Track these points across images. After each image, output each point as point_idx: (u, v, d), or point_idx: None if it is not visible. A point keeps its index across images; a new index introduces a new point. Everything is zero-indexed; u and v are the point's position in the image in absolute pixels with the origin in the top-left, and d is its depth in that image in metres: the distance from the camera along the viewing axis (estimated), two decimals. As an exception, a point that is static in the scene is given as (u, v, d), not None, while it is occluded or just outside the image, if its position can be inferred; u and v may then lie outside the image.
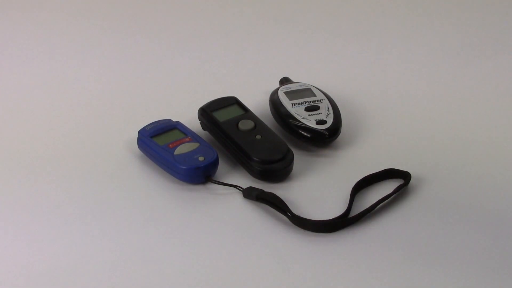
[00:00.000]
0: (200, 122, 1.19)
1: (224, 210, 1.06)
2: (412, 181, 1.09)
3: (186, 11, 1.52)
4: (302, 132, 1.16)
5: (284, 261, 0.98)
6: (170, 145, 1.11)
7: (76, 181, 1.11)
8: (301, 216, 1.03)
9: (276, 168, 1.10)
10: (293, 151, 1.13)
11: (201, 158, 1.09)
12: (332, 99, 1.22)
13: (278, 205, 1.04)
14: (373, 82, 1.35)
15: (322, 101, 1.20)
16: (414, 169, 1.11)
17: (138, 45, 1.44)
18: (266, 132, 1.14)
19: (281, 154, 1.11)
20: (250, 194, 1.07)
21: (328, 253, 1.00)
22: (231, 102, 1.20)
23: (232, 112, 1.18)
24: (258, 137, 1.13)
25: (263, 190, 1.07)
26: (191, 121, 1.19)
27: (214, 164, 1.09)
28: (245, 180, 1.11)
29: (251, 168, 1.10)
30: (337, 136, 1.17)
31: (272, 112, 1.21)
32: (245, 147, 1.11)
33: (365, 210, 1.04)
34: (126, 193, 1.09)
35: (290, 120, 1.17)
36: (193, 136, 1.13)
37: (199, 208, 1.07)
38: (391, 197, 1.07)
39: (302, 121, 1.16)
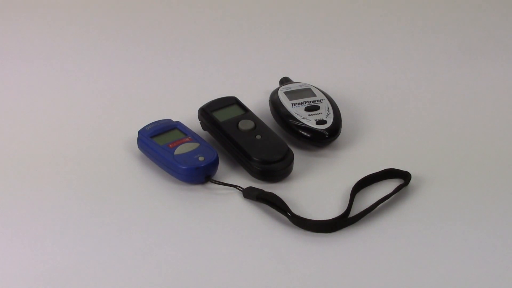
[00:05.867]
0: (200, 122, 1.19)
1: (224, 210, 1.06)
2: (412, 181, 1.09)
3: (186, 11, 1.52)
4: (302, 132, 1.16)
5: (284, 261, 0.98)
6: (170, 145, 1.11)
7: (76, 181, 1.10)
8: (301, 216, 1.03)
9: (276, 168, 1.10)
10: (293, 151, 1.13)
11: (201, 158, 1.09)
12: (332, 99, 1.22)
13: (278, 205, 1.04)
14: (373, 82, 1.35)
15: (322, 101, 1.20)
16: (414, 169, 1.11)
17: (138, 45, 1.44)
18: (266, 132, 1.14)
19: (281, 154, 1.11)
20: (250, 194, 1.07)
21: (328, 253, 1.00)
22: (231, 102, 1.20)
23: (232, 112, 1.18)
24: (258, 137, 1.13)
25: (263, 190, 1.07)
26: (191, 121, 1.19)
27: (214, 164, 1.09)
28: (245, 180, 1.11)
29: (251, 168, 1.10)
30: (337, 136, 1.17)
31: (272, 112, 1.21)
32: (245, 147, 1.11)
33: (365, 210, 1.04)
34: (126, 193, 1.09)
35: (290, 120, 1.17)
36: (193, 136, 1.13)
37: (199, 208, 1.07)
38: (391, 197, 1.07)
39: (302, 121, 1.16)
